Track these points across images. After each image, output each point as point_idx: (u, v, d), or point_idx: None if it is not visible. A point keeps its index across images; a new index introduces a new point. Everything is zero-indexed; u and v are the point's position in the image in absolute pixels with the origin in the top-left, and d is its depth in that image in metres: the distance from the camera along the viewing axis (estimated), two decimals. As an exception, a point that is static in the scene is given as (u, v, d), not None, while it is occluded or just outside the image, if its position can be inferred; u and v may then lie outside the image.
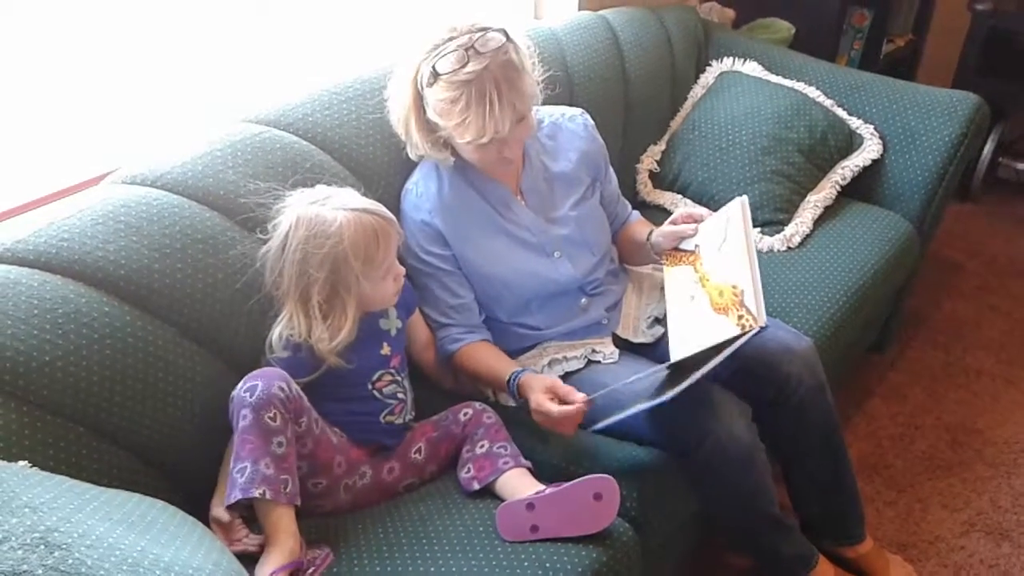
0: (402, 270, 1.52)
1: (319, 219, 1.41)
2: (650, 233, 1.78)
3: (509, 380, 1.59)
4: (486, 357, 1.67)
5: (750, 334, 1.43)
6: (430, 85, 1.50)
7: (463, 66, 1.46)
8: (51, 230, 1.38)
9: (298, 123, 1.69)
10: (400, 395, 1.56)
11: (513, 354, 1.71)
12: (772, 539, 1.71)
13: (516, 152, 1.61)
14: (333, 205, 1.44)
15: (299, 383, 1.45)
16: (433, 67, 1.48)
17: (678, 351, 1.58)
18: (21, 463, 1.15)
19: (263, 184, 1.53)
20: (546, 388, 1.52)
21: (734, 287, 1.52)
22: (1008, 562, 1.95)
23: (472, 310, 1.69)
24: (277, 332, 1.43)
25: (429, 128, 1.58)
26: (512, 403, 1.65)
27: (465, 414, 1.58)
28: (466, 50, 1.46)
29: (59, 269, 1.34)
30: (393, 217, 1.51)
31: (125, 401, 1.34)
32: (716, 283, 1.58)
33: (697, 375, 1.43)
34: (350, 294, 1.43)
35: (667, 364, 1.56)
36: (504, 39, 1.50)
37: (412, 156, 1.67)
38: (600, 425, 1.55)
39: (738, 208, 1.60)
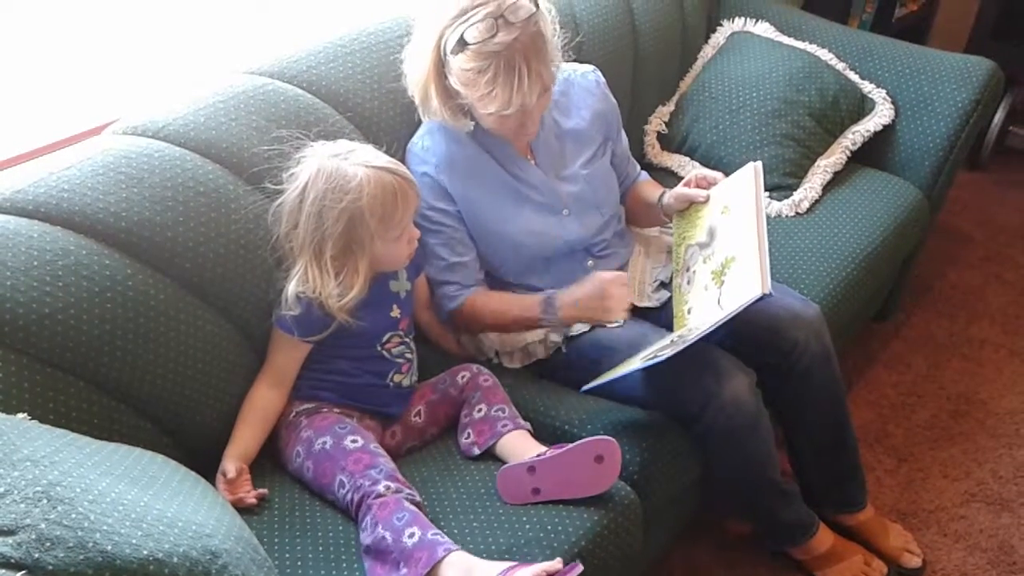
0: (417, 233, 1.50)
1: (340, 173, 1.39)
2: (662, 195, 1.76)
3: (546, 300, 1.60)
4: (500, 296, 1.67)
5: (749, 302, 1.42)
6: (455, 53, 1.45)
7: (492, 36, 1.42)
8: (51, 180, 1.35)
9: (302, 75, 1.66)
10: (408, 355, 1.55)
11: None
12: (773, 505, 1.71)
13: (536, 122, 1.58)
14: (355, 160, 1.41)
15: (310, 341, 1.46)
16: (461, 36, 1.43)
17: (680, 323, 1.58)
18: (20, 415, 1.14)
19: (284, 133, 1.50)
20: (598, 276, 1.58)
21: (728, 258, 1.51)
22: (1008, 532, 1.95)
23: (471, 269, 1.67)
24: (291, 287, 1.41)
25: (450, 95, 1.54)
26: (556, 335, 1.65)
27: (462, 377, 1.57)
28: (496, 19, 1.42)
29: (59, 220, 1.32)
30: (414, 179, 1.48)
31: (126, 355, 1.32)
32: (714, 252, 1.58)
33: (691, 340, 1.43)
34: (363, 252, 1.41)
35: (670, 339, 1.54)
36: (534, 8, 1.45)
37: (426, 120, 1.63)
38: (591, 385, 1.54)
39: (751, 173, 1.58)
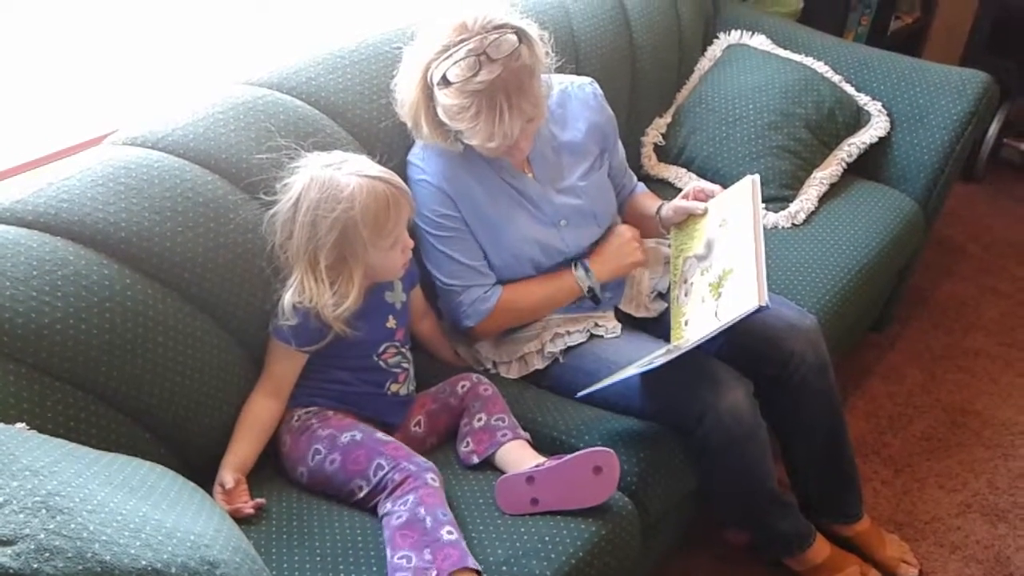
0: (411, 243, 1.50)
1: (332, 182, 1.40)
2: (660, 207, 1.77)
3: (576, 268, 1.68)
4: (529, 282, 1.68)
5: (746, 314, 1.42)
6: (440, 88, 1.46)
7: (475, 74, 1.42)
8: (51, 191, 1.36)
9: (301, 87, 1.66)
10: (404, 365, 1.56)
11: (515, 327, 1.70)
12: (770, 516, 1.71)
13: (525, 148, 1.59)
14: (348, 170, 1.42)
15: (307, 351, 1.46)
16: (444, 75, 1.44)
17: (677, 335, 1.59)
18: (19, 425, 1.14)
19: (282, 142, 1.51)
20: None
21: (725, 271, 1.52)
22: (1004, 543, 1.96)
23: (488, 273, 1.67)
24: (287, 298, 1.41)
25: (439, 123, 1.54)
26: (554, 346, 1.68)
27: (463, 386, 1.57)
28: (478, 56, 1.42)
29: (59, 230, 1.32)
30: (407, 188, 1.48)
31: (124, 365, 1.32)
32: (712, 265, 1.58)
33: (686, 348, 1.45)
34: (357, 262, 1.42)
35: (666, 348, 1.55)
36: (517, 41, 1.45)
37: (419, 140, 1.64)
38: (585, 392, 1.55)
39: (748, 186, 1.59)
